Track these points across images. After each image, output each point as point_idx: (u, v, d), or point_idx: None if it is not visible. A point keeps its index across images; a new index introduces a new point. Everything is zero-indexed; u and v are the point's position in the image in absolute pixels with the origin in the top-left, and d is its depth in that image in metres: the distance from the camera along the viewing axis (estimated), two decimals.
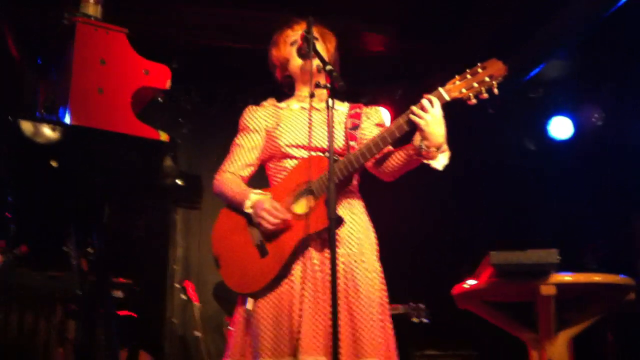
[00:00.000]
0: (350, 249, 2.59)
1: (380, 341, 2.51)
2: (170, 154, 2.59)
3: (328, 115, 2.35)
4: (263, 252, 2.58)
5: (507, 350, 4.69)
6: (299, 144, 2.68)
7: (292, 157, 2.69)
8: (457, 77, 2.52)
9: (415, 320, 5.12)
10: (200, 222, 6.04)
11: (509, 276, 3.34)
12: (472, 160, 6.01)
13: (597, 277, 3.36)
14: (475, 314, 3.79)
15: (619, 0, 4.40)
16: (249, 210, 2.60)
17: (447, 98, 2.50)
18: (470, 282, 3.58)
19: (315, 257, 2.55)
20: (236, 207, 2.66)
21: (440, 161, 2.54)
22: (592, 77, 5.72)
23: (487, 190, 6.28)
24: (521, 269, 3.24)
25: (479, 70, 2.50)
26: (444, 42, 5.50)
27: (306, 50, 2.61)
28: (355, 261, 2.58)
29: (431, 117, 2.46)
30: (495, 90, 2.48)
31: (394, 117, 5.73)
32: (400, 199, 5.65)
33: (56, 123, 2.37)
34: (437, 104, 2.48)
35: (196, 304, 5.35)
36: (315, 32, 2.75)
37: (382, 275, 2.66)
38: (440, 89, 2.52)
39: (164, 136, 2.59)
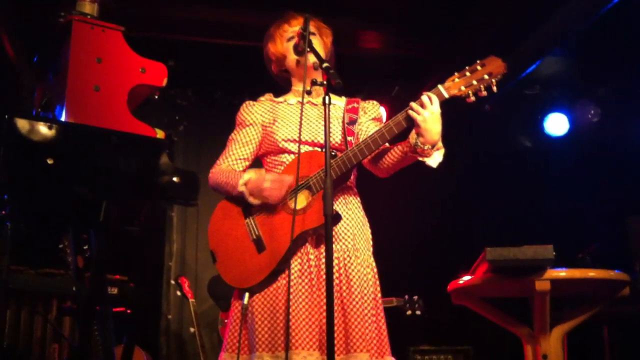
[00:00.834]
0: (345, 245, 2.60)
1: (372, 335, 2.52)
2: (166, 152, 2.59)
3: (325, 113, 2.35)
4: (260, 247, 2.59)
5: (502, 346, 4.72)
6: (296, 138, 2.69)
7: (289, 151, 2.70)
8: (456, 74, 2.53)
9: (409, 312, 5.13)
10: (197, 219, 6.04)
11: (504, 272, 3.36)
12: (469, 157, 6.03)
13: (591, 273, 3.38)
14: (470, 310, 3.81)
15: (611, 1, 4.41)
16: (242, 189, 2.59)
17: (447, 95, 2.51)
18: (466, 278, 3.59)
19: (311, 253, 2.56)
20: (230, 192, 2.66)
21: (434, 159, 2.55)
22: (588, 74, 5.74)
23: (483, 187, 6.30)
24: (516, 264, 3.26)
25: (478, 67, 2.51)
26: (441, 40, 5.51)
27: (303, 47, 2.62)
28: (350, 257, 2.59)
29: (429, 114, 2.46)
30: (494, 88, 2.48)
31: (389, 115, 5.76)
32: (397, 195, 5.66)
33: (52, 121, 2.37)
34: (436, 101, 2.48)
35: (191, 300, 5.35)
36: (312, 27, 2.75)
37: (376, 270, 2.68)
38: (440, 87, 2.52)
39: (160, 134, 2.59)
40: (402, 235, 6.05)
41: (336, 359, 2.38)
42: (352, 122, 2.77)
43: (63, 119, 2.38)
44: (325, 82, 2.42)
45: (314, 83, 2.48)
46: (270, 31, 2.90)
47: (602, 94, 5.86)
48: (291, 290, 2.51)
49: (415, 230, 6.28)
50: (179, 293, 5.53)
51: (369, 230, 2.74)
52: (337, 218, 2.54)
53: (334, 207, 2.55)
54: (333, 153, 2.65)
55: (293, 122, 2.73)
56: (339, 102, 2.84)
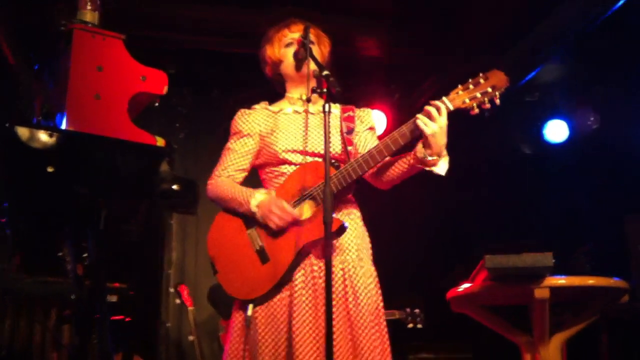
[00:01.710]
0: (350, 256, 2.60)
1: (377, 345, 2.52)
2: (166, 159, 2.59)
3: (325, 121, 2.36)
4: (264, 258, 2.58)
5: (501, 353, 4.71)
6: (296, 149, 2.69)
7: (289, 162, 2.69)
8: (459, 87, 2.54)
9: (410, 325, 5.14)
10: (196, 228, 6.04)
11: (503, 280, 3.36)
12: (468, 164, 6.02)
13: (591, 280, 3.38)
14: (469, 317, 3.81)
15: (615, 4, 4.42)
16: (254, 210, 2.59)
17: (451, 108, 2.52)
18: (465, 286, 3.59)
19: (315, 264, 2.55)
20: (236, 208, 2.65)
21: (441, 167, 2.55)
22: (588, 81, 5.75)
23: (483, 193, 6.30)
24: (516, 272, 3.26)
25: (481, 80, 2.52)
26: (439, 47, 5.52)
27: (303, 55, 2.63)
28: (354, 267, 2.58)
29: (437, 127, 2.47)
30: (497, 101, 2.50)
31: (389, 121, 5.77)
32: (396, 203, 5.66)
33: (53, 129, 2.37)
34: (444, 113, 2.49)
35: (190, 308, 5.34)
36: (312, 35, 2.75)
37: (377, 280, 2.68)
38: (444, 99, 2.53)
39: (160, 141, 2.59)
40: (402, 242, 6.05)
41: None
42: (350, 131, 2.77)
43: (64, 127, 2.38)
44: (325, 90, 2.42)
45: (314, 91, 2.48)
46: (269, 34, 2.90)
47: (602, 100, 5.87)
48: (295, 302, 2.50)
49: (414, 236, 6.29)
50: (178, 301, 5.52)
51: (369, 241, 2.75)
52: (342, 229, 2.54)
53: (340, 219, 2.56)
54: (335, 164, 2.65)
55: (292, 132, 2.72)
56: (334, 110, 2.82)
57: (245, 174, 2.79)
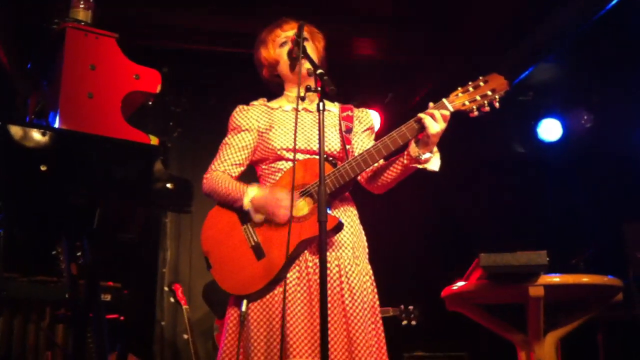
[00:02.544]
0: (346, 253, 2.60)
1: (373, 344, 2.52)
2: (160, 158, 2.57)
3: (319, 119, 2.35)
4: (259, 254, 2.58)
5: (496, 352, 4.72)
6: (294, 147, 2.68)
7: (286, 159, 2.69)
8: (459, 89, 2.56)
9: (404, 322, 5.15)
10: (191, 226, 6.03)
11: (498, 278, 3.37)
12: (462, 163, 6.03)
13: (585, 279, 3.39)
14: (464, 316, 3.81)
15: (608, 3, 4.43)
16: (248, 207, 2.59)
17: (451, 109, 2.54)
18: (460, 284, 3.60)
19: (310, 260, 2.55)
20: (230, 204, 2.65)
21: (434, 163, 2.58)
22: (582, 80, 5.76)
23: (477, 193, 6.31)
24: (510, 270, 3.27)
25: (481, 83, 2.54)
26: (435, 48, 5.52)
27: (297, 53, 2.62)
28: (350, 264, 2.59)
29: (440, 128, 2.50)
30: (497, 104, 2.53)
31: (384, 122, 5.78)
32: (391, 202, 5.65)
33: (46, 128, 2.36)
34: (440, 119, 2.51)
35: (185, 307, 5.34)
36: (305, 32, 2.75)
37: (373, 278, 2.68)
38: (444, 100, 2.55)
39: (154, 140, 2.58)
40: (397, 240, 6.06)
41: None
42: (349, 130, 2.78)
43: (57, 125, 2.37)
44: (319, 89, 2.42)
45: (308, 89, 2.48)
46: (262, 36, 2.89)
47: (595, 99, 5.89)
48: (289, 298, 2.50)
49: (409, 235, 6.29)
50: (172, 300, 5.52)
51: (365, 239, 2.75)
52: (339, 226, 2.54)
53: (336, 216, 2.56)
54: (333, 162, 2.65)
55: (290, 130, 2.71)
56: (333, 109, 2.84)
57: (241, 168, 2.78)
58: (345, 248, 2.61)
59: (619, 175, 5.44)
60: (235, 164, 2.76)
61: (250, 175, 2.84)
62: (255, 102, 2.87)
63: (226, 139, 2.81)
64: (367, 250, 2.72)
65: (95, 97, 2.43)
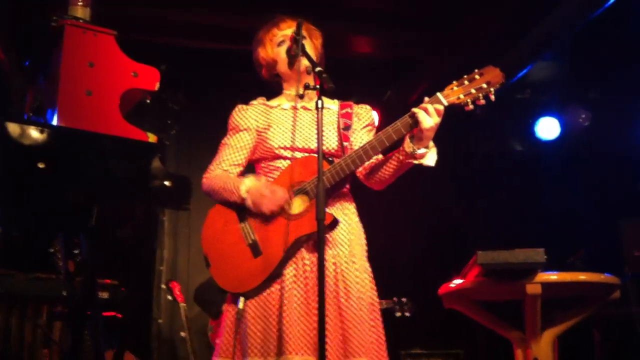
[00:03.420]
0: (342, 250, 2.60)
1: (370, 341, 2.52)
2: (158, 155, 2.58)
3: (318, 117, 2.35)
4: (256, 252, 2.58)
5: (493, 349, 4.74)
6: (292, 144, 2.69)
7: (284, 157, 2.69)
8: (454, 82, 2.54)
9: (398, 314, 5.14)
10: (188, 224, 6.02)
11: (495, 275, 3.37)
12: (460, 161, 6.04)
13: (582, 276, 3.40)
14: (461, 313, 3.82)
15: (606, 2, 4.44)
16: (244, 195, 2.59)
17: (445, 103, 2.52)
18: (457, 282, 3.60)
19: (306, 258, 2.55)
20: (228, 198, 2.64)
21: (430, 158, 2.56)
22: (579, 78, 5.77)
23: (475, 190, 6.32)
24: (507, 268, 3.27)
25: (476, 76, 2.52)
26: (432, 46, 5.53)
27: (295, 51, 2.62)
28: (346, 262, 2.59)
29: (434, 122, 2.49)
30: (492, 97, 2.51)
31: (381, 120, 5.77)
32: (389, 198, 5.65)
33: (43, 125, 2.36)
34: (434, 113, 2.50)
35: (182, 304, 5.34)
36: (304, 30, 2.75)
37: (372, 276, 2.68)
38: (439, 94, 2.53)
39: (152, 138, 2.59)
40: (395, 238, 6.06)
41: None
42: (347, 127, 2.77)
43: (55, 123, 2.37)
44: (318, 87, 2.42)
45: (306, 87, 2.47)
46: (259, 36, 2.89)
47: (593, 98, 5.90)
48: (285, 295, 2.50)
49: (407, 233, 6.29)
50: (169, 297, 5.52)
51: (364, 236, 2.75)
52: (334, 223, 2.54)
53: (331, 213, 2.56)
54: (330, 159, 2.65)
55: (288, 128, 2.72)
56: (332, 107, 2.83)
57: (240, 168, 2.78)
58: (342, 245, 2.61)
59: (616, 174, 5.46)
60: (235, 164, 2.76)
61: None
62: (254, 102, 2.86)
63: (225, 139, 2.82)
64: (365, 247, 2.72)
65: (94, 95, 2.44)
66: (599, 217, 5.33)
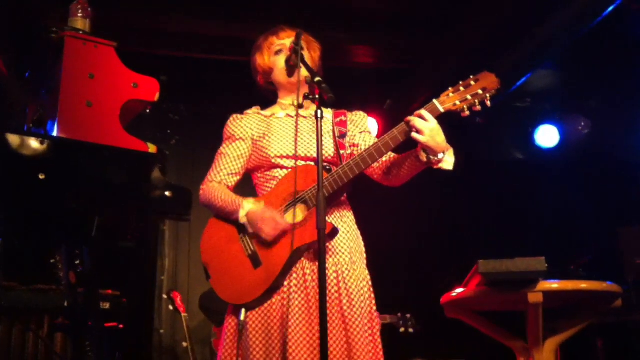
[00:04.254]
0: (343, 259, 2.60)
1: (369, 350, 2.52)
2: (158, 166, 2.58)
3: (317, 127, 2.35)
4: (256, 263, 2.57)
5: (496, 358, 4.71)
6: (288, 153, 2.69)
7: (281, 166, 2.69)
8: (450, 89, 2.54)
9: (402, 330, 5.14)
10: (189, 234, 6.02)
11: (497, 284, 3.36)
12: (460, 169, 6.03)
13: (584, 285, 3.38)
14: (463, 323, 3.80)
15: (605, 10, 4.45)
16: (243, 220, 2.59)
17: (442, 110, 2.52)
18: (459, 291, 3.59)
19: (307, 267, 2.55)
20: (227, 215, 2.65)
21: (448, 162, 2.55)
22: (579, 87, 5.78)
23: (475, 199, 6.32)
24: (509, 277, 3.26)
25: (472, 82, 2.52)
26: (432, 54, 5.54)
27: (295, 61, 2.63)
28: (347, 270, 2.58)
29: (429, 131, 2.47)
30: (488, 103, 2.50)
31: (381, 128, 5.77)
32: (390, 208, 5.66)
33: (44, 136, 2.36)
34: (430, 117, 2.49)
35: (184, 314, 5.33)
36: (303, 42, 2.75)
37: (371, 284, 2.68)
38: (435, 101, 2.53)
39: (152, 148, 2.59)
40: (396, 247, 6.05)
41: None
42: (343, 135, 2.78)
43: (55, 134, 2.38)
44: (317, 97, 2.42)
45: (306, 97, 2.48)
46: (258, 42, 2.90)
47: (593, 106, 5.91)
48: (288, 306, 2.50)
49: (408, 242, 6.29)
50: (171, 307, 5.51)
51: (363, 244, 2.74)
52: (334, 232, 2.53)
53: (331, 222, 2.56)
54: (327, 167, 2.65)
55: (284, 137, 2.72)
56: (327, 115, 2.82)
57: (238, 177, 2.78)
58: (343, 253, 2.61)
59: (616, 181, 5.45)
60: (231, 174, 2.76)
61: (246, 184, 2.85)
62: (249, 111, 2.87)
63: (221, 148, 2.82)
64: (364, 255, 2.72)
65: (94, 106, 2.44)
66: (600, 224, 5.32)
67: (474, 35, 5.19)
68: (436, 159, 2.52)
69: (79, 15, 2.47)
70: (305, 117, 2.79)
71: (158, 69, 5.04)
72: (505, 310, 3.80)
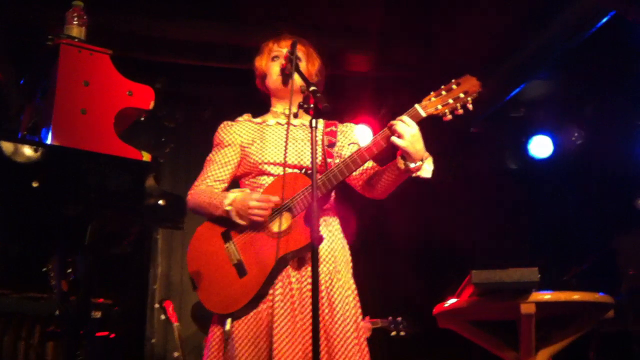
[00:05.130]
0: (327, 267, 2.60)
1: (355, 358, 2.51)
2: (152, 174, 2.57)
3: (312, 136, 2.36)
4: (242, 272, 2.57)
5: None
6: (276, 160, 2.69)
7: (268, 173, 2.70)
8: (432, 93, 2.55)
9: (393, 333, 5.13)
10: (182, 243, 6.01)
11: (490, 295, 3.36)
12: (454, 179, 6.05)
13: (576, 296, 3.39)
14: (456, 333, 3.80)
15: (599, 21, 4.48)
16: (228, 208, 2.58)
17: (424, 114, 2.53)
18: (452, 301, 3.59)
19: (292, 275, 2.55)
20: (213, 213, 2.64)
21: (426, 170, 2.56)
22: (573, 97, 5.81)
23: (469, 208, 6.32)
24: (502, 287, 3.26)
25: (454, 86, 2.53)
26: (426, 63, 5.56)
27: (290, 70, 2.64)
28: (332, 279, 2.58)
29: (410, 137, 2.48)
30: (470, 106, 2.51)
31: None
32: (383, 217, 5.66)
33: (37, 144, 2.35)
34: (411, 122, 2.49)
35: (176, 324, 5.30)
36: (301, 52, 2.76)
37: (356, 292, 2.67)
38: (417, 106, 2.54)
39: (146, 156, 2.58)
40: (388, 256, 6.05)
41: None
42: (332, 145, 2.79)
43: (49, 141, 2.37)
44: (312, 106, 2.43)
45: (300, 106, 2.48)
46: (261, 45, 2.93)
47: (586, 116, 5.93)
48: (274, 314, 2.50)
49: (401, 251, 6.28)
50: (163, 317, 5.48)
51: (349, 252, 2.74)
52: (319, 240, 2.53)
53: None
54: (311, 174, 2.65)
55: (272, 144, 2.73)
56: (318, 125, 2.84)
57: (225, 184, 2.78)
58: (327, 262, 2.61)
59: (610, 192, 5.47)
60: (219, 180, 2.77)
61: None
62: (240, 118, 2.89)
63: (210, 155, 2.84)
64: (351, 264, 2.72)
65: (89, 113, 2.43)
66: (593, 235, 5.33)
67: (470, 44, 5.21)
68: (414, 165, 2.51)
69: (75, 22, 2.46)
70: (295, 126, 2.79)
71: (153, 76, 5.07)
72: (498, 320, 3.81)
